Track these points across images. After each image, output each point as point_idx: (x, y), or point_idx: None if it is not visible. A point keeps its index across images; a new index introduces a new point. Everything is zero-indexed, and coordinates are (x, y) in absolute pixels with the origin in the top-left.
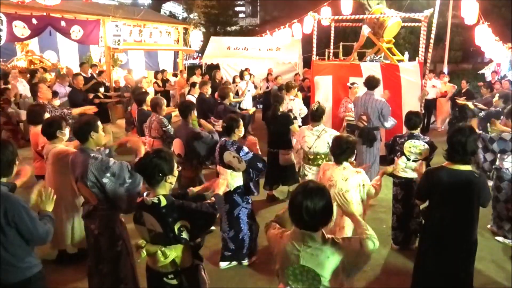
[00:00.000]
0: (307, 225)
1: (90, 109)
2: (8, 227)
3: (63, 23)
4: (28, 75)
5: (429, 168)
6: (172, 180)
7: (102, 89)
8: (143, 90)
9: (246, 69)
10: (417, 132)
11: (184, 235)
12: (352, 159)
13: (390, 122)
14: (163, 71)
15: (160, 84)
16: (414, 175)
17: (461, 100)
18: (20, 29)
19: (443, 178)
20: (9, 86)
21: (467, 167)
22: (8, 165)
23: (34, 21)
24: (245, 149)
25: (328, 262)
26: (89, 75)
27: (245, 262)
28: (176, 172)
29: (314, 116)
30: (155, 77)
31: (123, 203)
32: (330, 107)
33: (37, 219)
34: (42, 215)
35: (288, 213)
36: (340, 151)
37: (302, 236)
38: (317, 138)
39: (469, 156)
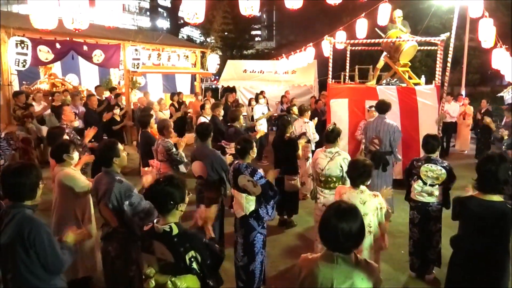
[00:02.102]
0: (341, 247)
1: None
2: (31, 250)
3: (85, 48)
4: (50, 98)
5: (457, 197)
6: (183, 208)
7: (117, 111)
8: (151, 112)
9: (261, 92)
10: (434, 155)
11: (195, 265)
12: (368, 182)
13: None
14: (179, 93)
15: (177, 106)
16: (430, 199)
17: (487, 121)
18: (44, 53)
19: (473, 209)
20: (34, 103)
21: (499, 198)
22: (32, 188)
23: (57, 45)
24: (260, 173)
25: (362, 284)
26: (104, 98)
27: None
28: (187, 200)
29: (328, 138)
30: (171, 99)
31: (137, 229)
32: (347, 130)
33: (58, 247)
34: (63, 246)
35: None
36: (357, 174)
37: (334, 259)
38: (330, 160)
39: (500, 185)
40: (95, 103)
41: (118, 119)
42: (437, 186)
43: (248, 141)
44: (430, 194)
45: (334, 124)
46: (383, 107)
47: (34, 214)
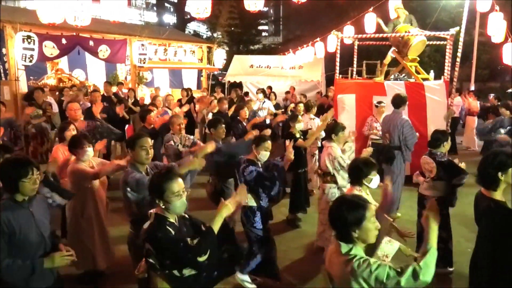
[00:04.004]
0: (339, 235)
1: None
2: None
3: (91, 43)
4: (57, 93)
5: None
6: (162, 203)
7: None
8: (154, 108)
9: (260, 89)
10: (436, 150)
11: (152, 259)
12: (371, 184)
13: (409, 152)
14: (188, 89)
15: (182, 102)
16: (426, 192)
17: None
18: (50, 49)
19: (475, 204)
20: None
21: (493, 194)
22: (10, 183)
23: (63, 41)
24: (250, 168)
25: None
26: (112, 94)
27: (237, 273)
28: (171, 199)
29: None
30: (182, 95)
31: (129, 209)
32: (354, 126)
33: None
34: (36, 263)
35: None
36: (351, 172)
37: (335, 247)
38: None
39: (495, 183)
40: (98, 99)
41: (121, 115)
42: (429, 179)
43: (256, 137)
44: (422, 185)
45: (333, 120)
46: (395, 101)
47: (20, 208)
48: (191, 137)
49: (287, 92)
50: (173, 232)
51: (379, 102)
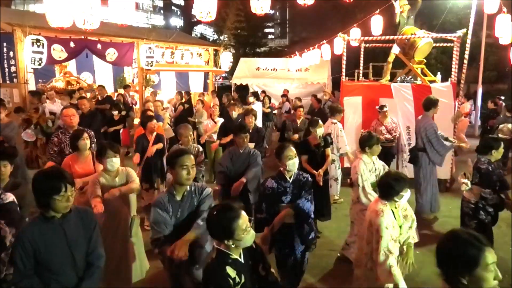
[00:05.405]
0: (445, 277)
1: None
2: None
3: (99, 46)
4: (67, 96)
5: None
6: (231, 242)
7: (115, 112)
8: (148, 113)
9: (252, 93)
10: (481, 155)
11: None
12: (399, 200)
13: (436, 155)
14: (184, 92)
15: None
16: (465, 194)
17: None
18: (58, 52)
19: None
20: (40, 106)
21: None
22: (39, 199)
23: (72, 44)
24: (268, 183)
25: None
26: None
27: None
28: (242, 236)
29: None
30: (176, 99)
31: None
32: (360, 129)
33: (15, 262)
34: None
35: None
36: (381, 188)
37: None
38: None
39: None
40: (84, 107)
41: (116, 118)
42: (468, 183)
43: (276, 150)
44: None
45: (368, 132)
46: (424, 103)
47: (50, 224)
48: (200, 147)
49: (282, 96)
50: (233, 275)
51: (381, 107)
